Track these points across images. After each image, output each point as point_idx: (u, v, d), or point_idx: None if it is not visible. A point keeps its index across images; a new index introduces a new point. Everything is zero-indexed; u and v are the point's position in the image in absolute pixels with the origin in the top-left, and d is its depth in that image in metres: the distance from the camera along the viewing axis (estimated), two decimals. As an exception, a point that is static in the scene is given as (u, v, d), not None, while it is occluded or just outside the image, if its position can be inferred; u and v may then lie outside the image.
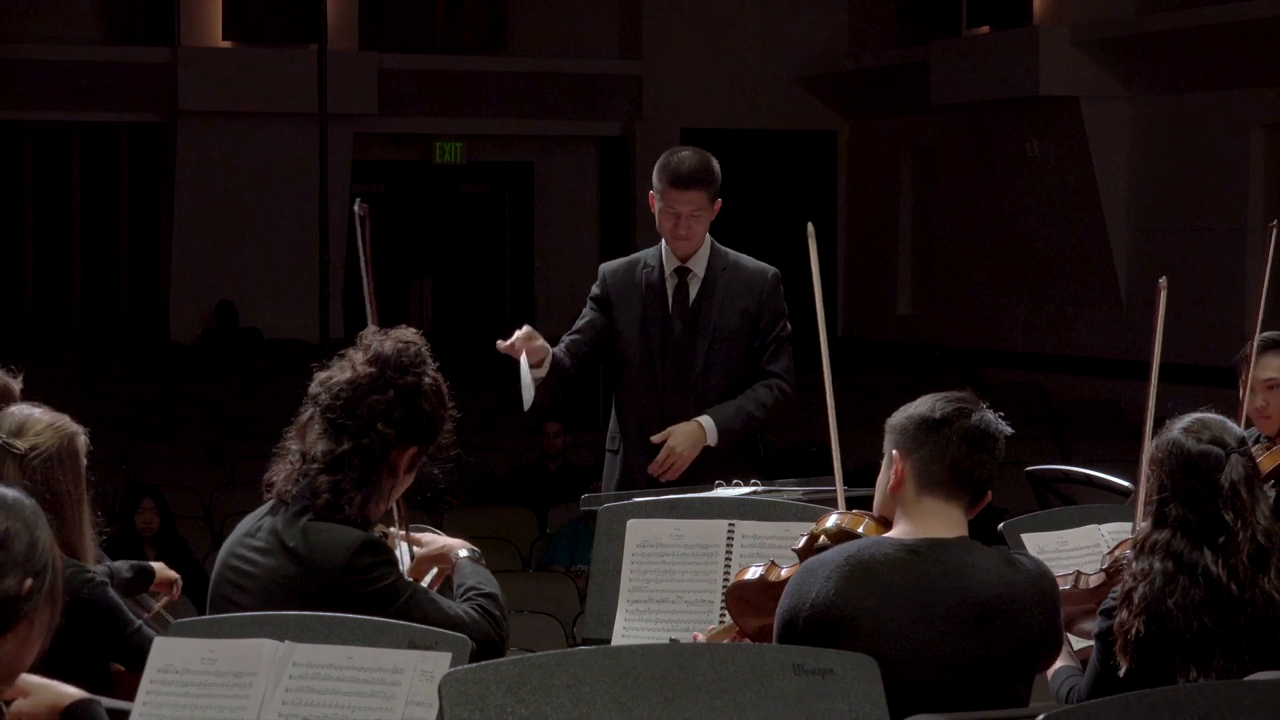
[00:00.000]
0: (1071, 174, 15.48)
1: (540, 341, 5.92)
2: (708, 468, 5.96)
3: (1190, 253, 14.50)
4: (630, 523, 4.85)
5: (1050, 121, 15.46)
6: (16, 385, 4.72)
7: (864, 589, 3.77)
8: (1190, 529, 3.90)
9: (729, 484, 5.43)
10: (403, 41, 17.98)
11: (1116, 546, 4.39)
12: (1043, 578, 3.91)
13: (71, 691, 2.93)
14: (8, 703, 2.85)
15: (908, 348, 17.44)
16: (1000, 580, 3.83)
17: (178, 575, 5.18)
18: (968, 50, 15.92)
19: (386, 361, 4.05)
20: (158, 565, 5.14)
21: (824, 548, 4.00)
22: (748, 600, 4.22)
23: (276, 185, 16.95)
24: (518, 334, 5.86)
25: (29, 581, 2.71)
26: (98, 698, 3.03)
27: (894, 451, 3.94)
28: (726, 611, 4.40)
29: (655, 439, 6.05)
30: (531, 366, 5.88)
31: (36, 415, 4.35)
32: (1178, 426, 3.98)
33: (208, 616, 3.87)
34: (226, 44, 16.94)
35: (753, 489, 5.39)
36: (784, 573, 4.13)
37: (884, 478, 3.98)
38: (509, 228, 19.23)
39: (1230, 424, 4.01)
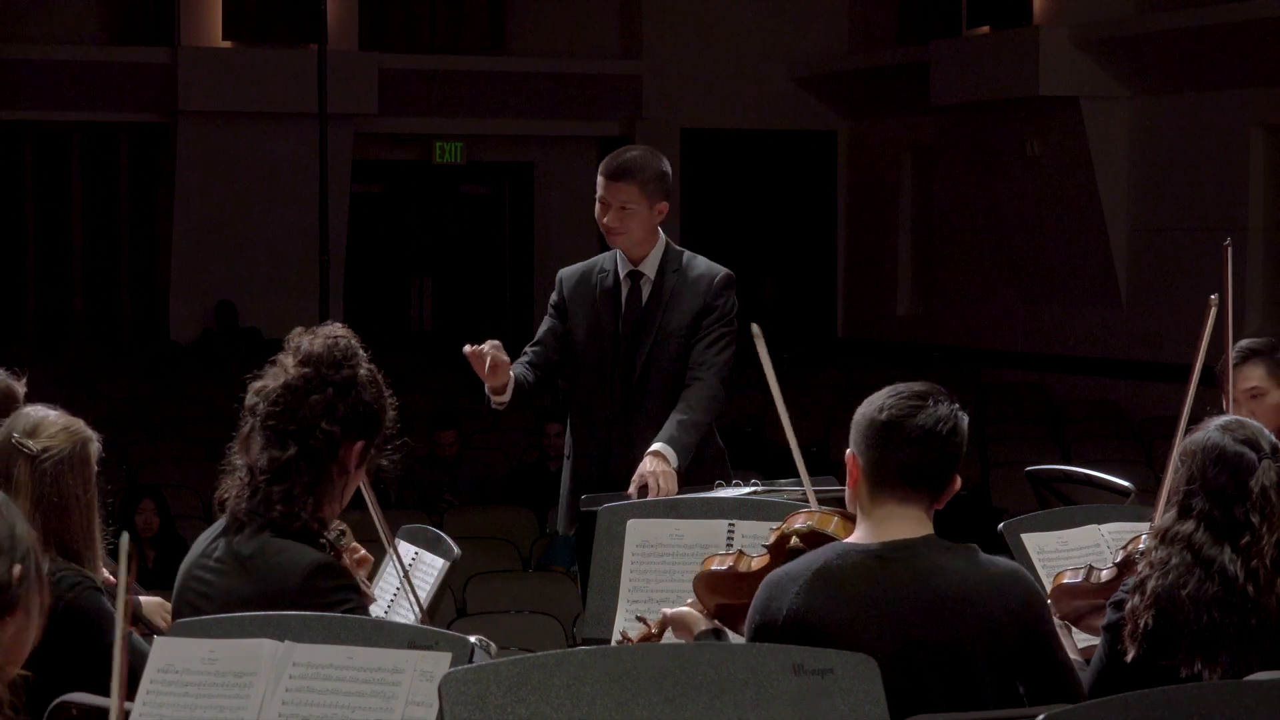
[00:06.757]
0: (1071, 174, 15.46)
1: (505, 359, 5.84)
2: (704, 469, 5.94)
3: (1190, 253, 14.47)
4: (630, 523, 4.84)
5: (1050, 121, 15.45)
6: (21, 388, 4.70)
7: (835, 601, 3.76)
8: (1214, 524, 3.90)
9: (729, 484, 5.42)
10: (403, 41, 17.96)
11: (1129, 542, 4.39)
12: (1010, 574, 3.86)
13: None
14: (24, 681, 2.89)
15: (908, 348, 17.42)
16: (962, 576, 3.80)
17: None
18: (968, 50, 15.90)
19: (319, 360, 4.00)
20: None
21: (795, 548, 3.98)
22: (714, 588, 4.22)
23: (276, 185, 16.93)
24: (487, 344, 5.81)
25: (18, 568, 2.76)
26: None
27: (850, 450, 3.91)
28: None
29: (632, 488, 5.73)
30: (494, 392, 5.89)
31: (51, 417, 4.35)
32: (1215, 424, 3.98)
33: (208, 617, 3.86)
34: (226, 44, 16.93)
35: (753, 489, 5.39)
36: (754, 563, 4.13)
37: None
38: (509, 228, 19.22)
39: (1266, 431, 4.01)
